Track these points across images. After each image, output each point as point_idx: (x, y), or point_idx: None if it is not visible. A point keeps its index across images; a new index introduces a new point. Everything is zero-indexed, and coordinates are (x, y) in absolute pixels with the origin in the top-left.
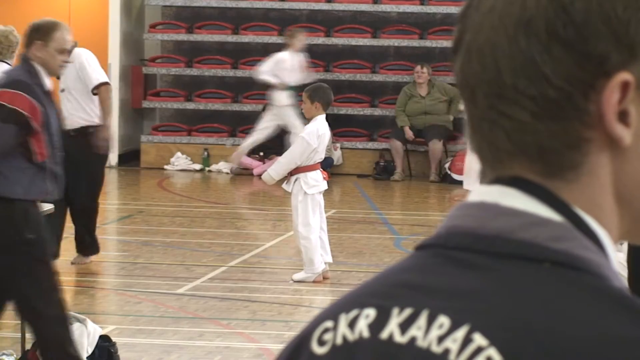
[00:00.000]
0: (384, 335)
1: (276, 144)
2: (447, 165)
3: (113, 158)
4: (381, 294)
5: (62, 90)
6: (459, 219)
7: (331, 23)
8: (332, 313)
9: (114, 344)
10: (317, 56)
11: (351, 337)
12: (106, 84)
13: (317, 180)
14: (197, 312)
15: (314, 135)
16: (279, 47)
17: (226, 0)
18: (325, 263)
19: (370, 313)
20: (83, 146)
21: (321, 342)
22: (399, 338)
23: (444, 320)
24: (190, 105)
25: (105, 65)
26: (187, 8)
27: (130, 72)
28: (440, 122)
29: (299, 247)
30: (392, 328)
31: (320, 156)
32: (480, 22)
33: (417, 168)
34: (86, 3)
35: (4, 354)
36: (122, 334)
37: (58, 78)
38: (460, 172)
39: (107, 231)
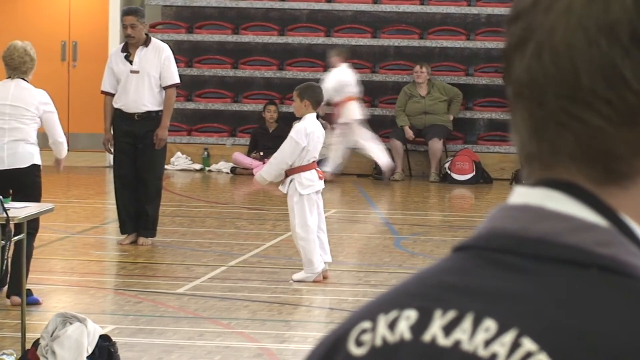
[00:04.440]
0: (427, 337)
1: (277, 143)
2: (447, 165)
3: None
4: (421, 296)
5: (136, 72)
6: (500, 220)
7: (331, 23)
8: (369, 313)
9: (114, 344)
10: (317, 56)
11: (391, 338)
12: (176, 86)
13: (311, 180)
14: (197, 312)
15: (302, 134)
16: (279, 47)
17: (226, 0)
18: (324, 263)
19: (411, 314)
20: (149, 130)
21: (359, 343)
22: (443, 341)
23: (490, 324)
24: (190, 105)
25: (105, 65)
26: (187, 8)
27: None
28: (440, 121)
29: (298, 248)
30: (434, 330)
31: (313, 155)
32: (553, 21)
33: (417, 168)
34: (86, 3)
35: (4, 353)
36: (122, 334)
37: (128, 60)
38: (460, 172)
39: (107, 231)
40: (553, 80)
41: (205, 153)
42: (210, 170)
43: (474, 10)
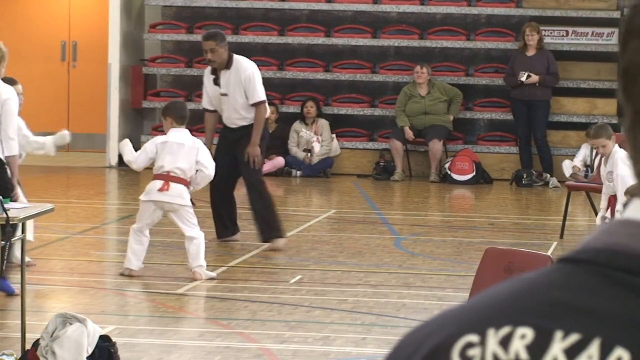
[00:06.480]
0: None
1: (277, 144)
2: (447, 165)
3: (113, 158)
4: (536, 312)
5: (225, 95)
6: (623, 237)
7: (331, 23)
8: (475, 326)
9: (114, 344)
10: (317, 56)
11: (504, 357)
12: (264, 102)
13: (150, 190)
14: (197, 312)
15: (153, 142)
16: (279, 47)
17: (226, 0)
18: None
19: (527, 333)
20: (245, 140)
21: (464, 357)
22: None
23: (622, 354)
24: (191, 106)
25: (105, 65)
26: (187, 8)
27: (130, 72)
28: (440, 122)
29: None
30: (555, 353)
31: (161, 164)
32: None
33: (417, 168)
34: (86, 3)
35: (4, 354)
36: (122, 334)
37: (216, 83)
38: (460, 172)
39: (107, 231)
40: None
41: None
42: None
43: (474, 10)
